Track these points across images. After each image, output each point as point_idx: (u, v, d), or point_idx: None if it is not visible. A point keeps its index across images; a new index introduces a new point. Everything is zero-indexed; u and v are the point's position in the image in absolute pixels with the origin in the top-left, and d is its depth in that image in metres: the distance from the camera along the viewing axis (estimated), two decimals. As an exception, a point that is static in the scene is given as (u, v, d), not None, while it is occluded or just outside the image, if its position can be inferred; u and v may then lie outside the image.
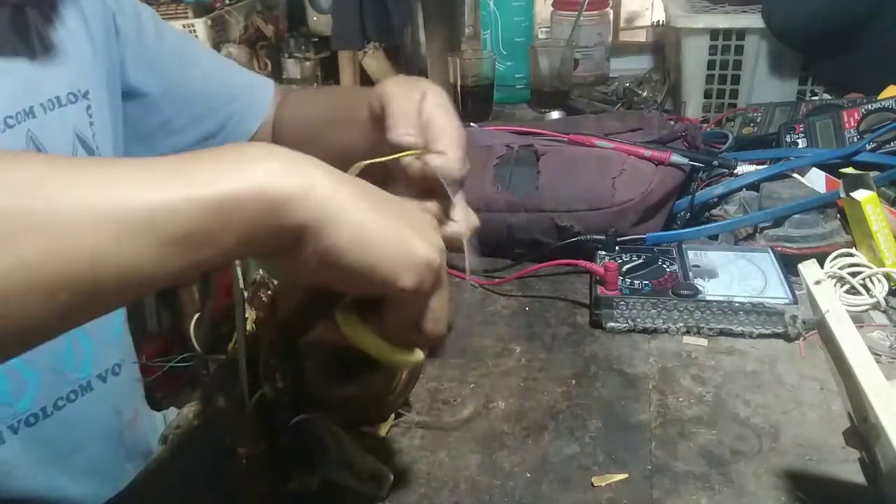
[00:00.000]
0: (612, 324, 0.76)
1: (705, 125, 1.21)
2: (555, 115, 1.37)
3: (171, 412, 0.89)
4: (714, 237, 0.90)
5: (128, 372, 0.77)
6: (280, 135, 0.87)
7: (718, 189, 0.92)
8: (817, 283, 0.54)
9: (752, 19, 1.19)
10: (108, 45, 0.76)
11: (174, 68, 0.81)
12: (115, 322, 0.75)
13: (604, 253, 0.85)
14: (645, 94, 1.39)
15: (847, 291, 0.79)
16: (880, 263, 0.79)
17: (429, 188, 0.59)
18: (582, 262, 0.82)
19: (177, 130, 0.83)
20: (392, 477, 0.57)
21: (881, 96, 1.02)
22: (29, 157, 0.41)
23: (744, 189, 0.92)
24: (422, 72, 2.24)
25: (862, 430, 0.50)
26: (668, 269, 0.82)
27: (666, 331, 0.75)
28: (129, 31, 0.78)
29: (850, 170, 0.89)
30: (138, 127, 0.81)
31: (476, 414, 0.66)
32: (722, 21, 1.21)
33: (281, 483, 0.58)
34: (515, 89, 1.47)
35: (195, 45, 0.88)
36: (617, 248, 0.85)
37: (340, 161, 0.56)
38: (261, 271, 0.64)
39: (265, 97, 0.88)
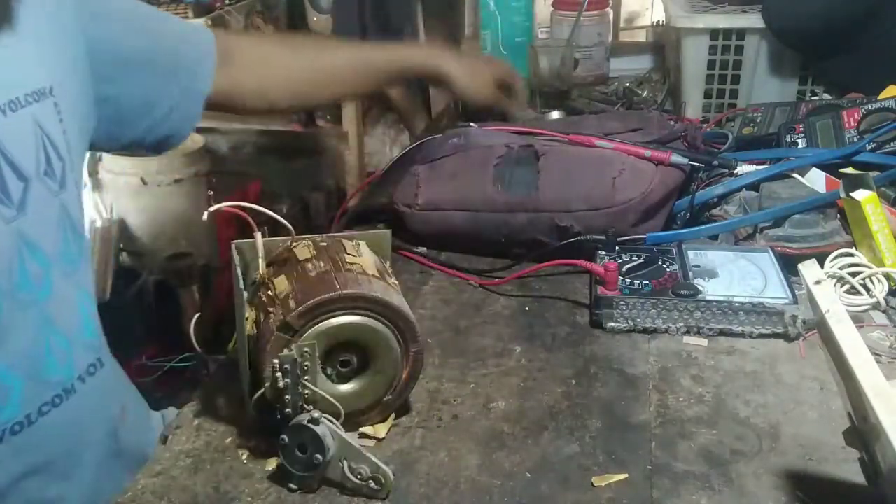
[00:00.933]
0: (612, 324, 0.76)
1: (705, 125, 1.21)
2: (555, 115, 1.37)
3: (171, 412, 0.89)
4: (714, 237, 0.90)
5: (107, 369, 0.75)
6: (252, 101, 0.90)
7: (718, 189, 0.92)
8: (817, 283, 0.54)
9: (752, 19, 1.19)
10: (73, 32, 0.73)
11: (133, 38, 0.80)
12: (85, 322, 0.73)
13: (604, 253, 0.85)
14: (645, 94, 1.39)
15: (847, 291, 0.79)
16: (880, 263, 0.79)
17: None
18: (582, 262, 0.82)
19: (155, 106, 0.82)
20: (392, 477, 0.57)
21: (881, 96, 1.02)
22: None
23: (744, 189, 0.92)
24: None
25: (862, 430, 0.50)
26: (668, 269, 0.82)
27: (666, 331, 0.75)
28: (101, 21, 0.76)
29: (850, 170, 0.89)
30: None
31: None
32: (722, 21, 1.21)
33: (281, 483, 0.58)
34: (515, 89, 1.47)
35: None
36: (617, 248, 0.85)
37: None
38: (261, 271, 0.64)
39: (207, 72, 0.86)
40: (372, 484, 0.57)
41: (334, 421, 0.58)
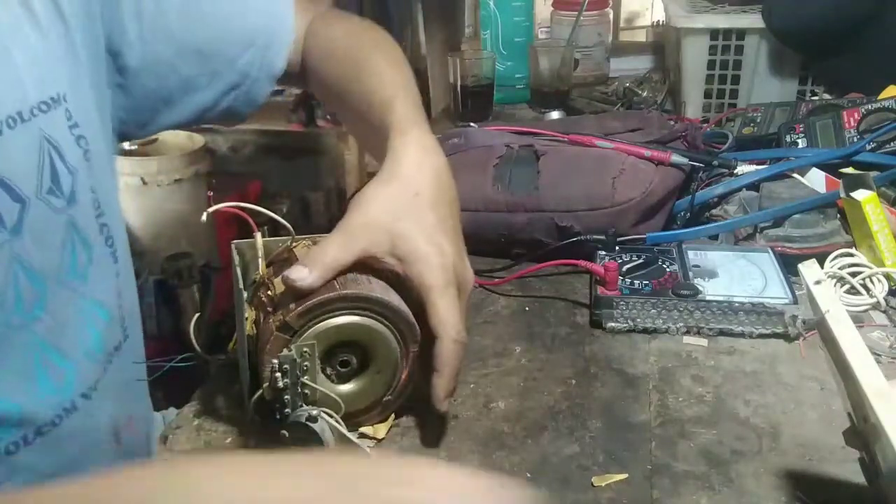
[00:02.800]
0: (612, 324, 0.76)
1: (705, 125, 1.21)
2: (555, 115, 1.37)
3: (171, 412, 0.89)
4: (714, 237, 0.90)
5: (112, 380, 0.72)
6: (309, 74, 0.83)
7: (718, 189, 0.92)
8: (817, 283, 0.54)
9: (752, 19, 1.19)
10: (90, 26, 0.70)
11: (183, 27, 0.76)
12: (92, 335, 0.70)
13: (604, 253, 0.85)
14: (645, 94, 1.39)
15: (847, 291, 0.79)
16: (880, 263, 0.79)
17: None
18: (582, 262, 0.82)
19: (198, 88, 0.79)
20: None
21: (881, 96, 1.02)
22: None
23: (744, 189, 0.92)
24: (422, 72, 2.24)
25: (862, 430, 0.50)
26: (668, 269, 0.82)
27: (666, 331, 0.75)
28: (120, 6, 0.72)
29: (850, 170, 0.89)
30: (160, 92, 0.77)
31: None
32: (722, 21, 1.21)
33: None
34: (515, 89, 1.47)
35: None
36: (617, 248, 0.85)
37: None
38: (261, 271, 0.64)
39: (286, 28, 0.82)
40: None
41: (334, 415, 0.58)
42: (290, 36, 0.83)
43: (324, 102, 0.79)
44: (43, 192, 0.64)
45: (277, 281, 0.62)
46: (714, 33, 1.21)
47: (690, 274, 0.81)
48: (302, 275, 0.58)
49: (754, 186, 0.92)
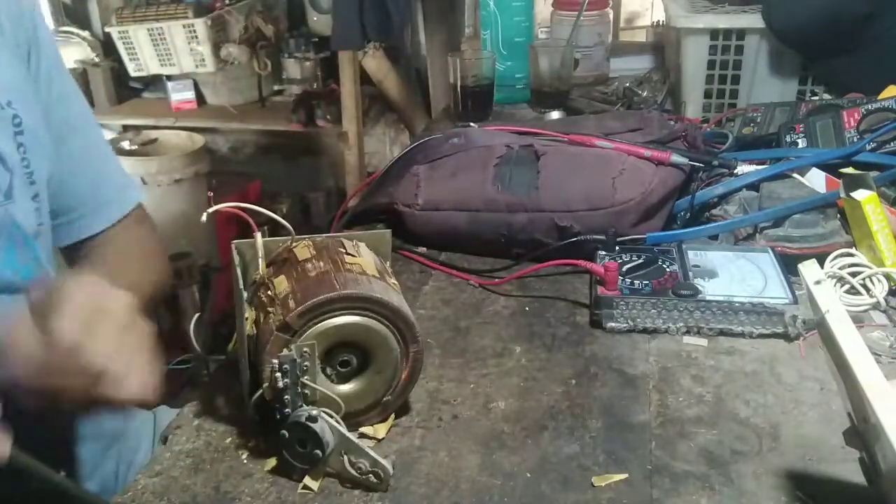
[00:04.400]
0: (612, 324, 0.76)
1: (705, 125, 1.21)
2: (555, 115, 1.37)
3: (165, 410, 0.89)
4: (714, 237, 0.90)
5: None
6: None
7: (718, 189, 0.92)
8: (817, 283, 0.54)
9: (752, 19, 1.19)
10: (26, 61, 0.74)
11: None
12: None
13: (604, 253, 0.85)
14: (645, 94, 1.39)
15: (847, 291, 0.79)
16: (880, 263, 0.79)
17: None
18: (582, 262, 0.82)
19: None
20: (391, 470, 0.57)
21: (881, 96, 1.02)
22: None
23: (744, 189, 0.92)
24: (422, 72, 2.25)
25: (862, 430, 0.50)
26: (668, 269, 0.82)
27: (666, 331, 0.75)
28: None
29: (850, 170, 0.89)
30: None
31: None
32: (722, 21, 1.21)
33: (281, 482, 0.58)
34: (515, 89, 1.47)
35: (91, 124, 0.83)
36: (617, 248, 0.85)
37: None
38: (261, 271, 0.64)
39: (111, 216, 0.83)
40: (372, 478, 0.57)
41: (334, 415, 0.58)
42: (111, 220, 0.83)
43: None
44: None
45: (277, 281, 0.62)
46: (714, 33, 1.21)
47: (690, 274, 0.81)
48: None
49: (754, 186, 0.92)
